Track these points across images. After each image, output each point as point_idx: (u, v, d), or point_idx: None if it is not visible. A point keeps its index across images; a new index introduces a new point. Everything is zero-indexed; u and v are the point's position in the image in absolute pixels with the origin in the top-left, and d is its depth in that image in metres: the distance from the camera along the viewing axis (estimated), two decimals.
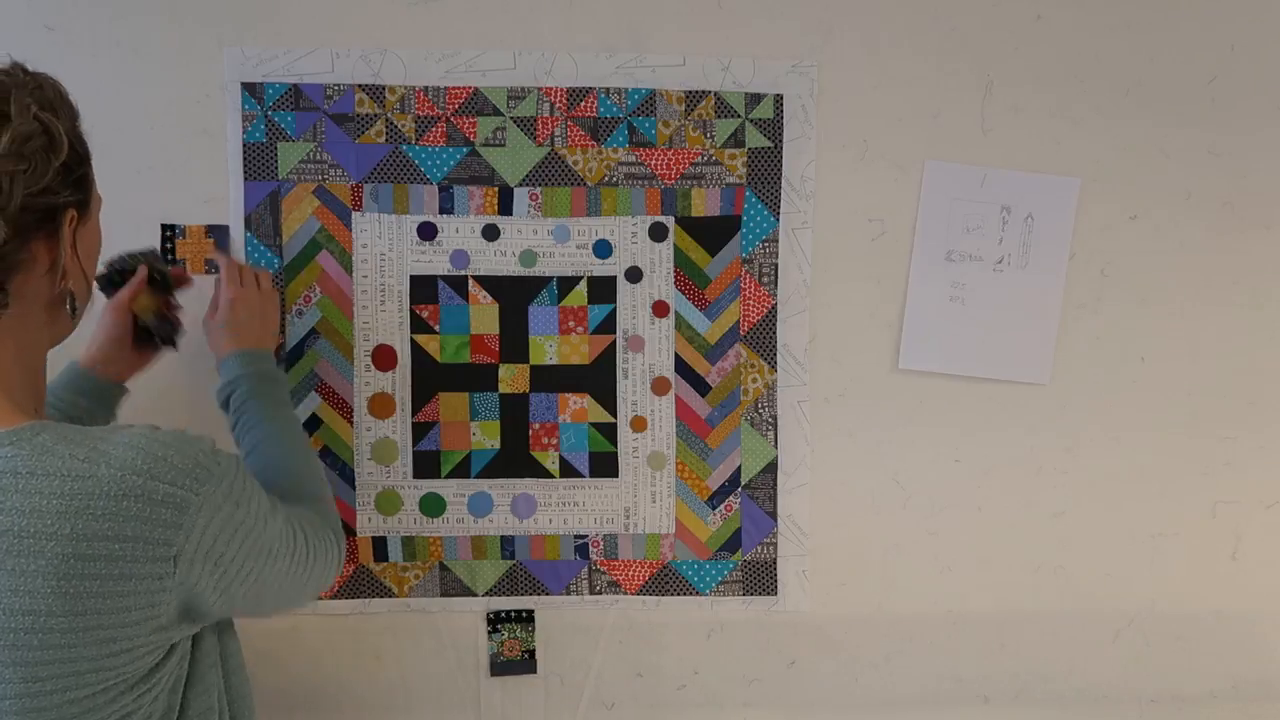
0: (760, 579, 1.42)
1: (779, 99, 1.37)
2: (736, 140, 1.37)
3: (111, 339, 1.20)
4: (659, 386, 1.40)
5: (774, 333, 1.40)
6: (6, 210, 0.78)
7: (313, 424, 1.37)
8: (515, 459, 1.39)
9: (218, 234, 1.34)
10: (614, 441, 1.40)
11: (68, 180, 0.84)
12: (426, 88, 1.34)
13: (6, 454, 0.78)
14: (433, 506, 1.39)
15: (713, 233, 1.38)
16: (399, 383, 1.38)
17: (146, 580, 0.79)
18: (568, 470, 1.40)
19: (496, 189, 1.36)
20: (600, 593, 1.41)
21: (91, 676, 0.79)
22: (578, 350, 1.39)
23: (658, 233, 1.38)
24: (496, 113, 1.35)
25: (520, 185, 1.37)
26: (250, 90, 1.33)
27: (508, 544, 1.40)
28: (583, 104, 1.36)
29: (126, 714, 0.83)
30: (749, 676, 1.44)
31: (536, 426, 1.39)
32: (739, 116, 1.37)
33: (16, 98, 0.80)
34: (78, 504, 0.76)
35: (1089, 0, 1.37)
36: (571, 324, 1.38)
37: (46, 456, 0.78)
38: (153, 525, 0.78)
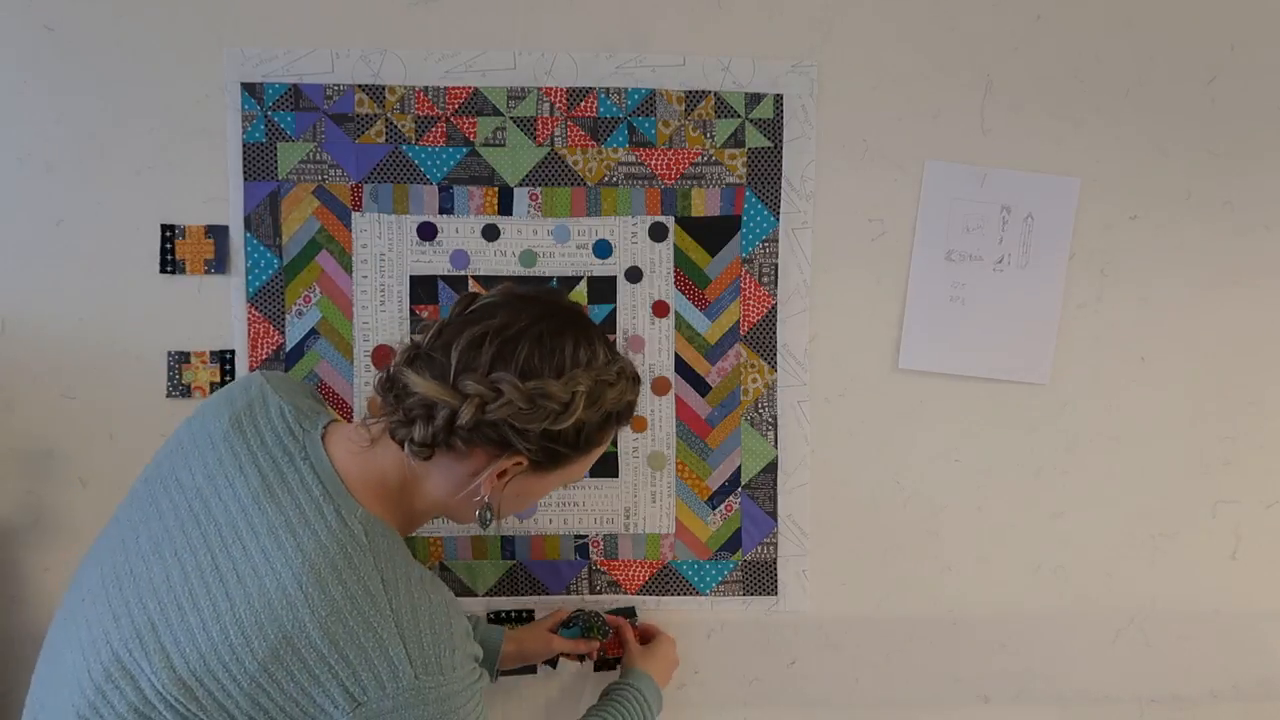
0: (760, 579, 1.42)
1: (779, 99, 1.37)
2: (736, 140, 1.37)
3: (520, 655, 1.34)
4: (659, 386, 1.40)
5: (774, 333, 1.40)
6: (484, 412, 0.89)
7: None
8: None
9: (217, 235, 1.33)
10: (614, 441, 1.40)
11: (543, 442, 0.93)
12: (426, 88, 1.34)
13: (356, 533, 0.89)
14: None
15: (713, 233, 1.38)
16: None
17: (329, 701, 0.84)
18: None
19: (496, 189, 1.36)
20: (600, 593, 1.41)
21: None
22: None
23: (658, 233, 1.38)
24: (496, 113, 1.35)
25: (520, 185, 1.37)
26: (250, 90, 1.33)
27: (508, 544, 1.40)
28: (583, 104, 1.36)
29: None
30: (749, 676, 1.44)
31: None
32: (739, 116, 1.37)
33: (575, 375, 0.93)
34: (349, 606, 0.85)
35: (1089, 0, 1.37)
36: None
37: (366, 552, 0.88)
38: (368, 668, 0.84)
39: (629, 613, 1.41)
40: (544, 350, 0.92)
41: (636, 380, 1.03)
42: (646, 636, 1.37)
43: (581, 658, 1.38)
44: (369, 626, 0.85)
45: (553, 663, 1.40)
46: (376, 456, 0.95)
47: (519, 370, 0.91)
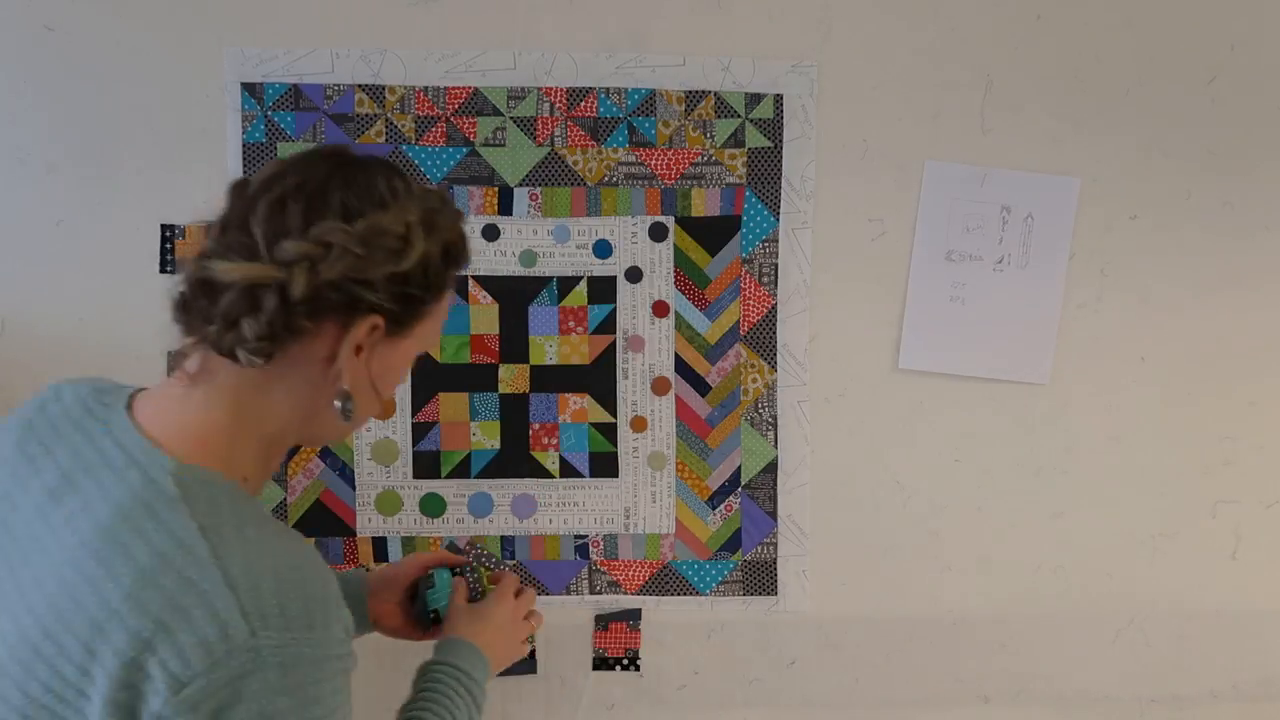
0: (760, 579, 1.42)
1: (779, 99, 1.37)
2: (736, 140, 1.37)
3: (390, 580, 1.14)
4: (659, 386, 1.40)
5: (774, 333, 1.39)
6: (318, 274, 0.76)
7: None
8: (515, 459, 1.39)
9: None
10: (614, 441, 1.40)
11: (393, 290, 0.81)
12: (426, 88, 1.34)
13: (162, 486, 0.74)
14: (433, 507, 1.39)
15: (713, 233, 1.38)
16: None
17: (150, 682, 0.68)
18: (568, 470, 1.40)
19: (496, 189, 1.36)
20: (600, 593, 1.41)
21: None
22: (578, 350, 1.39)
23: (658, 233, 1.38)
24: (496, 113, 1.35)
25: (520, 185, 1.37)
26: (250, 90, 1.33)
27: (508, 544, 1.40)
28: (583, 104, 1.36)
29: None
30: (749, 676, 1.44)
31: (536, 427, 1.39)
32: (739, 116, 1.37)
33: (405, 204, 0.81)
34: (159, 565, 0.70)
35: (1089, 0, 1.37)
36: (571, 324, 1.38)
37: (177, 502, 0.73)
38: (190, 632, 0.67)
39: (634, 615, 1.41)
40: (358, 189, 0.80)
41: (458, 209, 0.91)
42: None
43: (428, 626, 1.14)
44: (186, 582, 0.69)
45: (425, 628, 1.15)
46: (199, 397, 0.80)
47: (340, 215, 0.78)
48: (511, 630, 1.10)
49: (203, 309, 0.78)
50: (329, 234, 0.77)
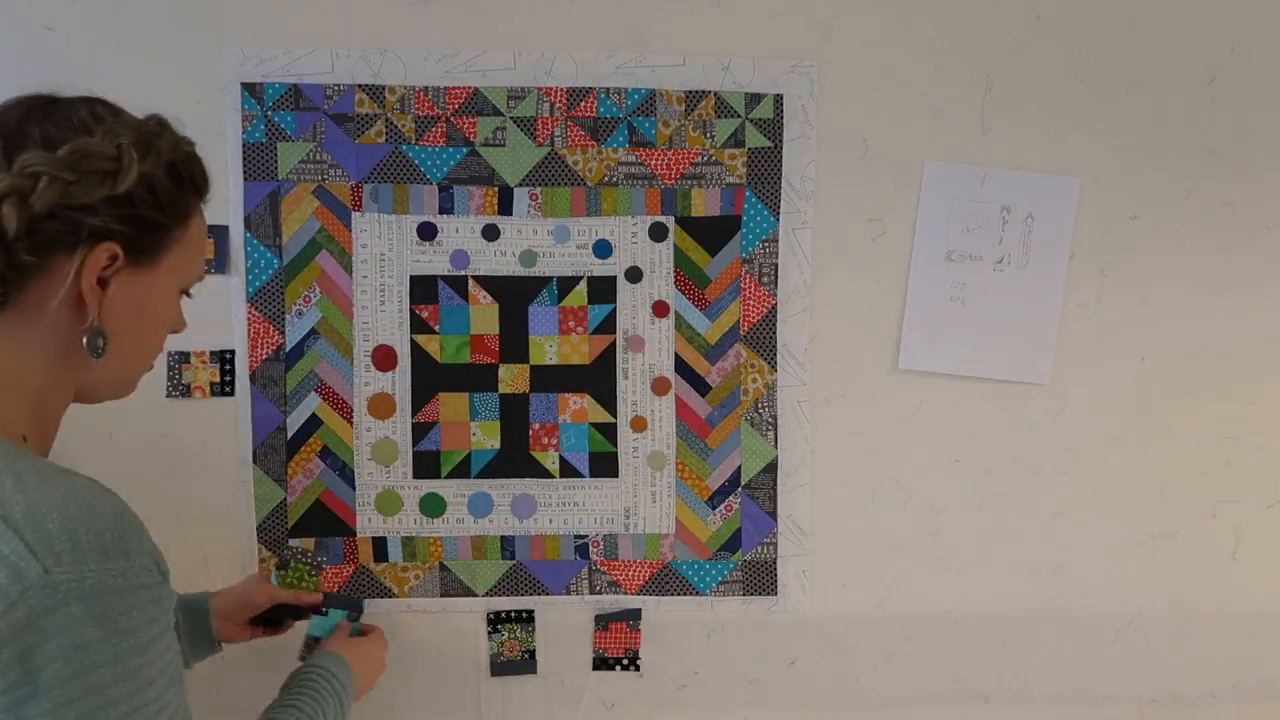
0: (760, 579, 1.42)
1: (779, 99, 1.37)
2: (736, 140, 1.37)
3: (241, 607, 1.22)
4: (659, 386, 1.40)
5: (774, 333, 1.39)
6: (31, 208, 0.73)
7: (312, 424, 1.37)
8: (515, 459, 1.39)
9: (217, 234, 1.33)
10: (614, 441, 1.40)
11: (119, 212, 0.78)
12: (426, 88, 1.34)
13: None
14: (433, 507, 1.39)
15: (713, 233, 1.38)
16: (399, 383, 1.38)
17: None
18: (568, 470, 1.40)
19: (496, 189, 1.36)
20: (600, 593, 1.41)
21: None
22: (578, 350, 1.39)
23: (658, 233, 1.38)
24: (496, 113, 1.35)
25: (520, 185, 1.37)
26: (250, 90, 1.33)
27: (508, 544, 1.40)
28: (583, 104, 1.36)
29: None
30: (749, 676, 1.44)
31: (536, 426, 1.39)
32: (739, 116, 1.37)
33: (109, 127, 0.79)
34: None
35: (1089, 0, 1.37)
36: (571, 324, 1.38)
37: None
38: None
39: (634, 615, 1.41)
40: (57, 121, 0.79)
41: (185, 137, 0.88)
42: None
43: (287, 618, 1.25)
44: None
45: (275, 622, 1.25)
46: None
47: (41, 146, 0.76)
48: (374, 661, 1.19)
49: None
50: (31, 164, 0.74)
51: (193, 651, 1.17)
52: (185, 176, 0.86)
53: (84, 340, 0.79)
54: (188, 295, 0.91)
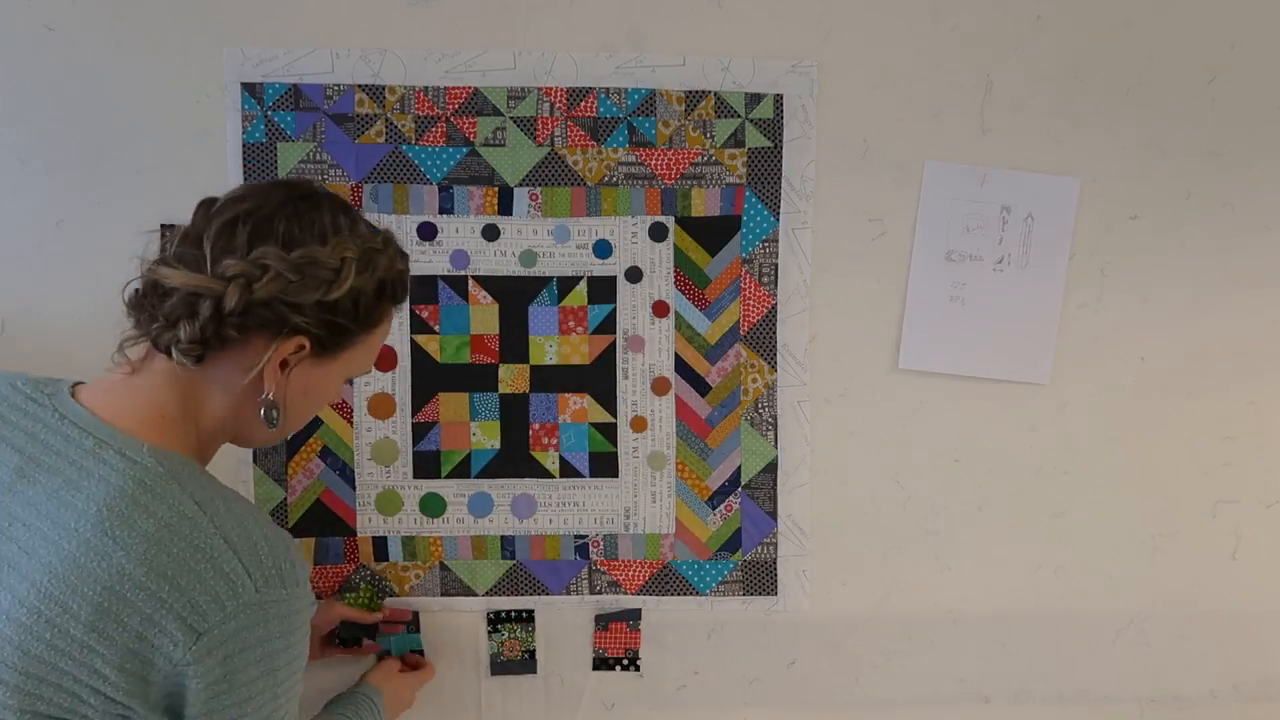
0: (760, 579, 1.42)
1: (779, 99, 1.37)
2: (736, 140, 1.37)
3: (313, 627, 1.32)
4: (659, 386, 1.40)
5: (774, 333, 1.40)
6: (251, 292, 0.84)
7: (313, 424, 1.37)
8: (515, 459, 1.39)
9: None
10: (614, 441, 1.40)
11: (322, 316, 0.89)
12: (426, 88, 1.34)
13: (148, 465, 0.83)
14: (433, 506, 1.39)
15: (713, 233, 1.38)
16: (399, 383, 1.38)
17: (164, 637, 0.78)
18: (568, 470, 1.40)
19: (496, 189, 1.36)
20: (600, 593, 1.41)
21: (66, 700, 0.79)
22: (578, 350, 1.39)
23: (658, 233, 1.38)
24: (496, 113, 1.35)
25: (520, 185, 1.37)
26: (250, 90, 1.33)
27: (508, 544, 1.40)
28: (583, 104, 1.36)
29: None
30: (749, 676, 1.44)
31: (536, 426, 1.39)
32: (739, 116, 1.37)
33: (340, 241, 0.90)
34: (167, 534, 0.80)
35: (1089, 0, 1.37)
36: (571, 324, 1.38)
37: (169, 479, 0.83)
38: (203, 590, 0.79)
39: (634, 615, 1.41)
40: (302, 222, 0.89)
41: (404, 253, 1.00)
42: (413, 668, 1.38)
43: (362, 638, 1.36)
44: (196, 548, 0.80)
45: (353, 641, 1.36)
46: (143, 385, 0.90)
47: (280, 243, 0.87)
48: (406, 700, 1.33)
49: (150, 307, 0.88)
50: (266, 258, 0.85)
51: None
52: (389, 293, 0.97)
53: (260, 412, 0.92)
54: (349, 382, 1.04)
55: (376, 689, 1.26)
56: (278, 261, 0.85)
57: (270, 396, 0.91)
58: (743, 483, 1.41)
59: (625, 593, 1.41)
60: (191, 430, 0.91)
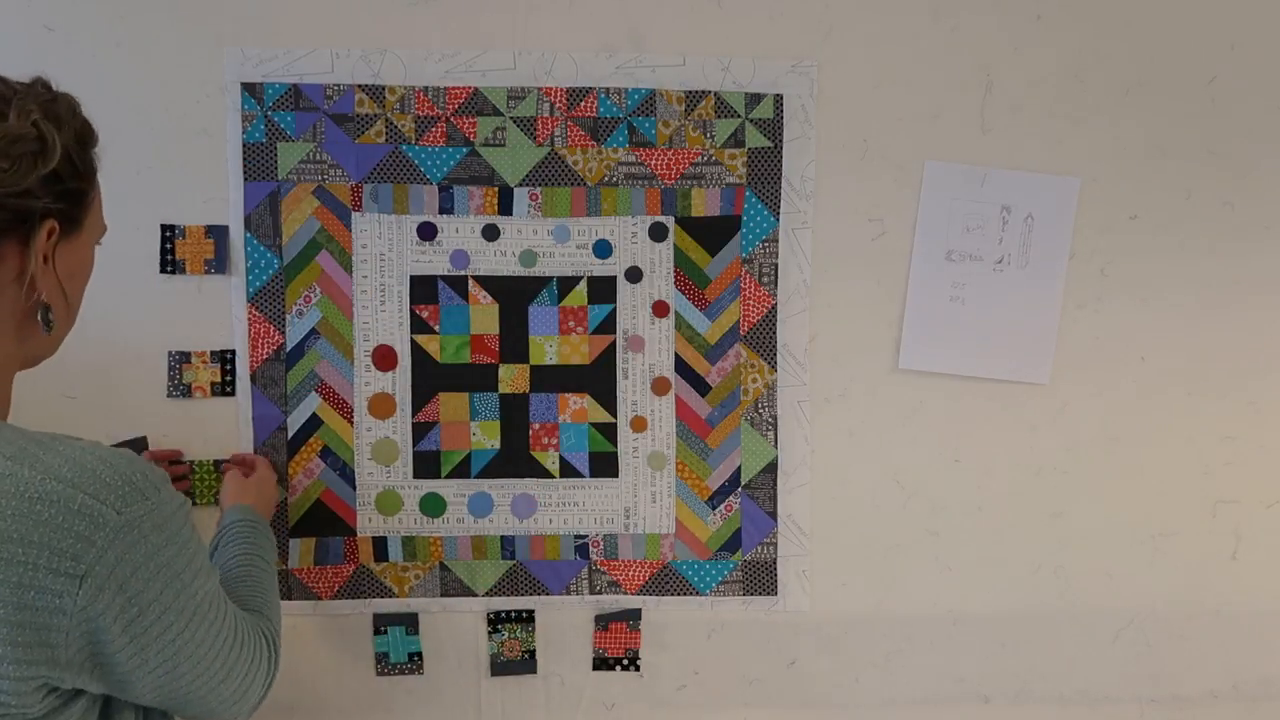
0: (760, 579, 1.42)
1: (779, 99, 1.37)
2: (736, 140, 1.37)
3: None
4: (659, 386, 1.40)
5: (774, 333, 1.40)
6: None
7: (313, 424, 1.37)
8: (515, 459, 1.39)
9: (217, 235, 1.33)
10: (614, 441, 1.40)
11: (53, 190, 0.82)
12: (426, 88, 1.34)
13: None
14: (433, 506, 1.39)
15: (713, 233, 1.38)
16: (399, 383, 1.38)
17: (46, 595, 0.72)
18: (568, 470, 1.40)
19: (496, 189, 1.36)
20: (600, 593, 1.41)
21: None
22: (578, 350, 1.39)
23: (658, 233, 1.38)
24: (496, 113, 1.35)
25: (520, 185, 1.37)
26: (250, 90, 1.33)
27: (508, 544, 1.40)
28: (583, 104, 1.36)
29: None
30: (749, 676, 1.44)
31: (536, 426, 1.39)
32: (739, 116, 1.37)
33: (19, 104, 0.80)
34: None
35: (1089, 0, 1.37)
36: (571, 324, 1.38)
37: None
38: (63, 534, 0.72)
39: (634, 615, 1.41)
40: None
41: (65, 94, 0.89)
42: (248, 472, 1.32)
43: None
44: (33, 500, 0.73)
45: None
46: None
47: None
48: (271, 492, 1.30)
49: None
50: None
51: None
52: (87, 138, 0.88)
53: (38, 318, 0.84)
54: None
55: (244, 505, 1.21)
56: None
57: (43, 297, 0.83)
58: (743, 483, 1.41)
59: (625, 593, 1.41)
60: None
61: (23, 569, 0.72)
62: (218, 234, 1.34)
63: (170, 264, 1.33)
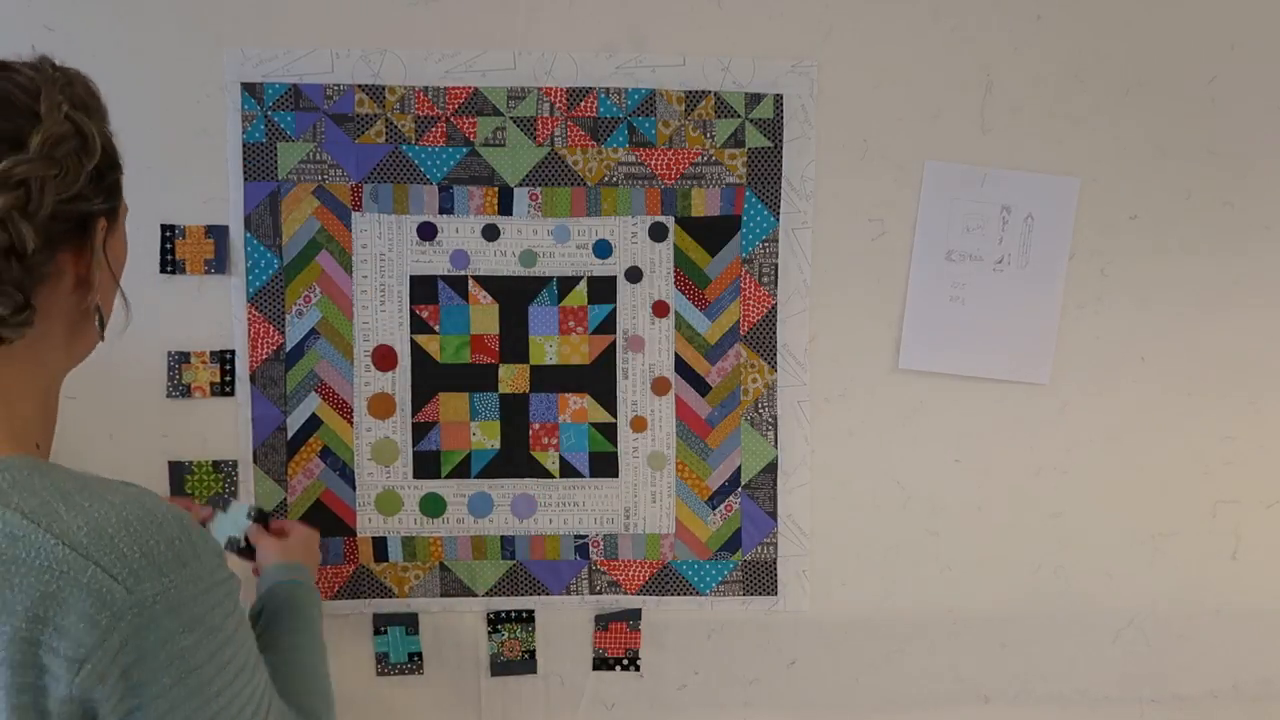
0: (760, 579, 1.42)
1: (779, 99, 1.37)
2: (736, 140, 1.37)
3: None
4: (659, 386, 1.40)
5: (774, 333, 1.39)
6: (36, 218, 0.70)
7: (313, 424, 1.37)
8: (515, 459, 1.39)
9: (217, 235, 1.33)
10: (614, 441, 1.40)
11: (100, 186, 0.76)
12: (426, 88, 1.34)
13: None
14: (433, 507, 1.39)
15: (713, 233, 1.38)
16: (399, 383, 1.38)
17: (45, 676, 0.65)
18: (568, 470, 1.40)
19: (496, 189, 1.36)
20: (600, 593, 1.41)
21: None
22: (578, 350, 1.39)
23: (658, 233, 1.38)
24: (496, 113, 1.35)
25: (520, 185, 1.37)
26: (250, 90, 1.33)
27: (508, 544, 1.40)
28: (583, 104, 1.36)
29: None
30: (749, 676, 1.44)
31: (536, 426, 1.39)
32: (739, 116, 1.37)
33: (47, 95, 0.72)
34: (3, 567, 0.65)
35: (1089, 0, 1.37)
36: (571, 324, 1.38)
37: (13, 495, 0.68)
38: (66, 612, 0.65)
39: (634, 615, 1.41)
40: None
41: (75, 71, 0.79)
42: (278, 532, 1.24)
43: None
44: (40, 570, 0.65)
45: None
46: None
47: (8, 147, 0.70)
48: (315, 547, 1.24)
49: None
50: (12, 170, 0.69)
51: None
52: (104, 116, 0.80)
53: (95, 321, 0.79)
54: None
55: (292, 565, 1.12)
56: (24, 168, 0.69)
57: (95, 298, 0.77)
58: (743, 483, 1.41)
59: (625, 593, 1.41)
60: (31, 405, 0.77)
61: (24, 648, 0.65)
62: (218, 234, 1.34)
63: (170, 264, 1.33)
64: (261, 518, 1.24)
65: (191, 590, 0.69)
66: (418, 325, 1.37)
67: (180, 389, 1.35)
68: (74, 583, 0.65)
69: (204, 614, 0.70)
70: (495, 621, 1.40)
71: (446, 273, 1.37)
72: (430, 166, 1.35)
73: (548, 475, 1.40)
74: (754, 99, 1.37)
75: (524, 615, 1.41)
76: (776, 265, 1.39)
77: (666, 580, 1.42)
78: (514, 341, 1.38)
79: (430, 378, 1.38)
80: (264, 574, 1.14)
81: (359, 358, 1.37)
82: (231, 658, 0.72)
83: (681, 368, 1.40)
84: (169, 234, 1.33)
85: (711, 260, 1.39)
